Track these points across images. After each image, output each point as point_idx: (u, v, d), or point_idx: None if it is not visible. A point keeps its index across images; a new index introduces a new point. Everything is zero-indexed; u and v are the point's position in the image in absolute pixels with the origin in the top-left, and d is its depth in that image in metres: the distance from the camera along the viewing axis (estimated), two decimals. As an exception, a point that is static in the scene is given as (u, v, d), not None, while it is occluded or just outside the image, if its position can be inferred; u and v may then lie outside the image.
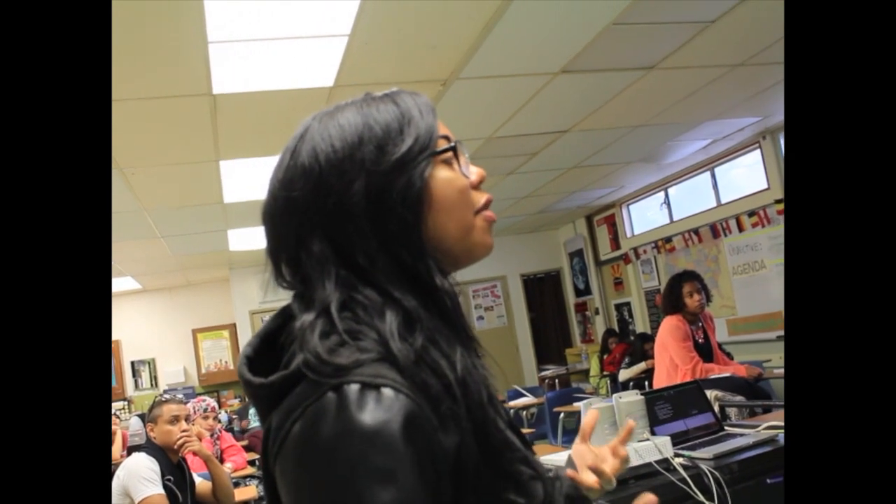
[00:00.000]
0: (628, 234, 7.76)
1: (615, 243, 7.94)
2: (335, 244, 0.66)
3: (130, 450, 3.58)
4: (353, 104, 0.71)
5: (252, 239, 6.42)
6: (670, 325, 3.60)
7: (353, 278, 0.65)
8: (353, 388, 0.58)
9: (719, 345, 3.86)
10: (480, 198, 0.72)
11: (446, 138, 0.71)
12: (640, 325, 7.61)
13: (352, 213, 0.65)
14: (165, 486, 2.65)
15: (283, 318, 0.69)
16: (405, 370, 0.60)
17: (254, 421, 6.93)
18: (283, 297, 0.71)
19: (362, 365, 0.59)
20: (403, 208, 0.66)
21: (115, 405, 7.90)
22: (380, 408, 0.57)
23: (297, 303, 0.67)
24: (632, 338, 7.24)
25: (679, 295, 3.63)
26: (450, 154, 0.71)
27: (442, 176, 0.69)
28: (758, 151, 5.78)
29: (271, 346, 0.67)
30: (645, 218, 7.56)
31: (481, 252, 0.72)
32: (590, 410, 0.98)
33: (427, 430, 0.58)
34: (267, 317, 0.74)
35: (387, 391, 0.58)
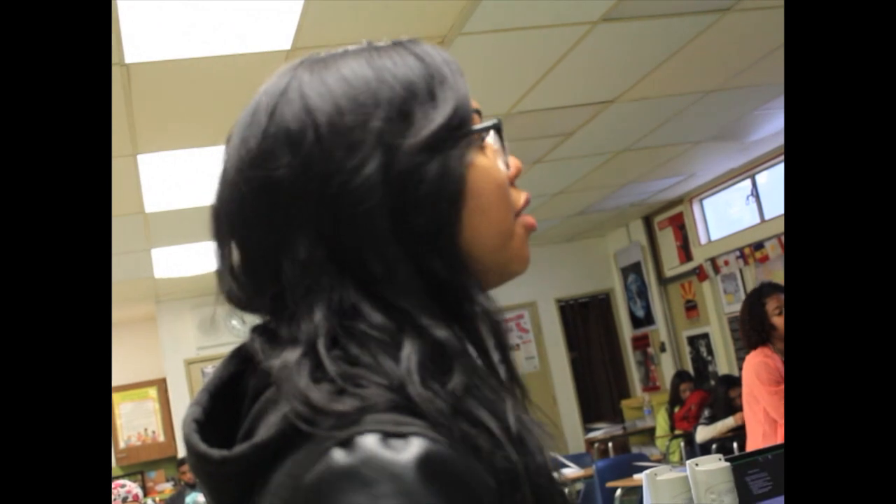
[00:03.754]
0: (703, 241, 7.80)
1: (685, 253, 8.00)
2: (334, 247, 0.66)
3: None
4: (354, 52, 0.71)
5: (185, 261, 6.41)
6: (755, 365, 3.41)
7: (354, 297, 0.65)
8: (371, 441, 0.56)
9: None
10: (519, 196, 0.74)
11: (478, 113, 0.72)
12: (724, 364, 7.65)
13: (364, 203, 0.65)
14: None
15: (240, 363, 0.68)
16: (435, 422, 0.58)
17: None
18: (230, 341, 0.71)
19: (376, 410, 0.58)
20: (439, 202, 0.66)
21: None
22: (418, 466, 0.55)
23: (262, 339, 0.66)
24: (712, 383, 7.20)
25: (762, 317, 3.44)
26: (483, 135, 0.72)
27: (479, 164, 0.70)
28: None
29: (228, 404, 0.67)
30: (725, 217, 7.56)
31: (518, 267, 0.73)
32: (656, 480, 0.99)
33: (488, 497, 0.57)
34: (210, 368, 0.76)
35: (421, 442, 0.56)
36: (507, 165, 0.73)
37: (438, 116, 0.68)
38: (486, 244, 0.69)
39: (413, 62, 0.70)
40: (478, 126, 0.71)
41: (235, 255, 0.70)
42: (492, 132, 0.73)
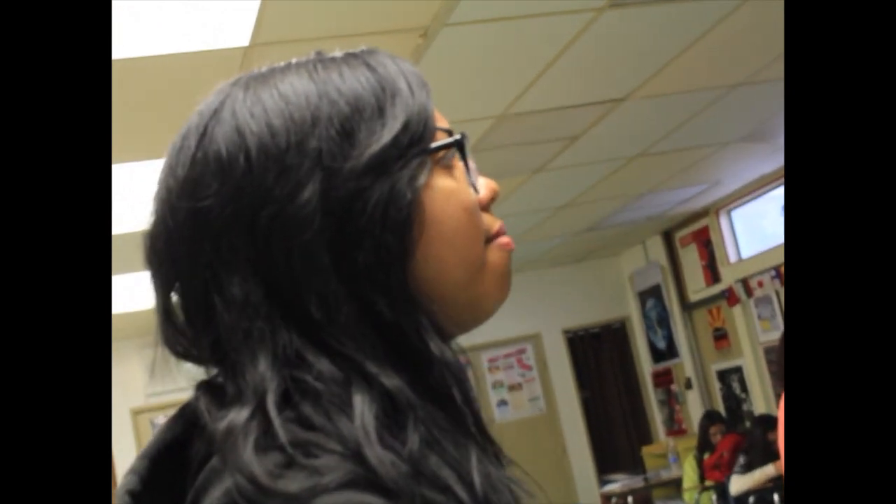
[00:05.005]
0: (732, 258, 7.81)
1: (712, 274, 8.03)
2: (270, 285, 0.68)
3: None
4: (299, 65, 0.74)
5: (131, 293, 6.42)
6: None
7: (297, 342, 0.66)
8: None
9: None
10: (493, 223, 0.76)
11: (446, 131, 0.75)
12: (760, 402, 7.68)
13: (299, 235, 0.67)
14: None
15: (186, 424, 0.70)
16: (397, 493, 0.60)
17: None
18: (186, 387, 0.71)
19: (327, 489, 0.59)
20: (383, 232, 0.68)
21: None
22: None
23: (208, 396, 0.68)
24: (747, 424, 7.23)
25: None
26: (450, 154, 0.74)
27: (440, 186, 0.72)
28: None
29: (171, 472, 0.68)
30: (758, 230, 7.63)
31: (496, 302, 0.75)
32: None
33: None
34: (161, 417, 0.74)
35: None
36: (476, 187, 0.75)
37: (386, 134, 0.70)
38: (452, 278, 0.71)
39: (364, 75, 0.73)
40: (435, 144, 0.72)
41: (173, 296, 0.72)
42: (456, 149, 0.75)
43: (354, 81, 0.72)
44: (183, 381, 0.73)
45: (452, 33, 3.58)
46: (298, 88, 0.71)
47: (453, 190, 0.73)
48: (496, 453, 0.70)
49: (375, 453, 0.61)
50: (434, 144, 0.73)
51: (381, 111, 0.71)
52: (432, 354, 0.68)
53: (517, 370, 8.81)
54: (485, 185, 0.77)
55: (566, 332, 9.01)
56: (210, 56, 3.47)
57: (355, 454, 0.61)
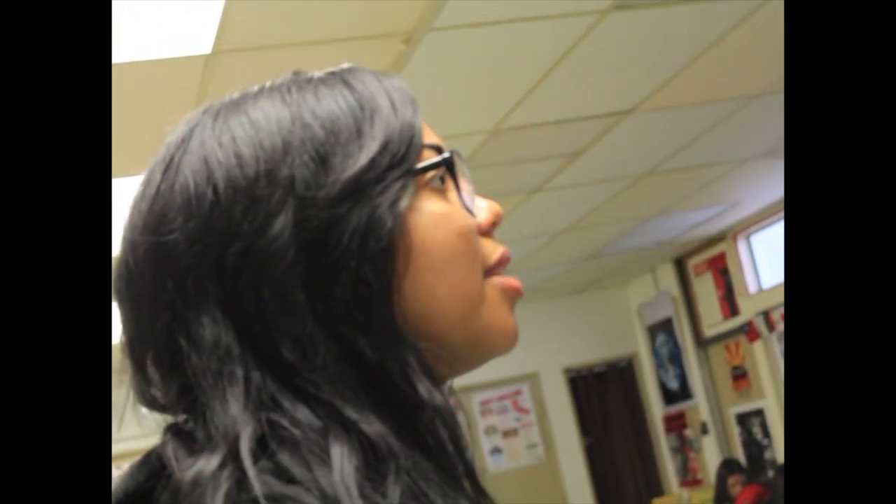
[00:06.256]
0: (752, 289, 7.82)
1: (729, 306, 8.04)
2: (241, 324, 0.68)
3: None
4: (272, 89, 0.75)
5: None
6: None
7: (273, 386, 0.67)
8: None
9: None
10: (494, 250, 0.76)
11: (436, 149, 0.75)
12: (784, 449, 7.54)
13: (270, 271, 0.68)
14: None
15: (152, 470, 0.70)
16: None
17: None
18: (150, 433, 0.72)
19: None
20: (362, 263, 0.68)
21: None
22: None
23: (176, 441, 0.68)
24: (770, 474, 7.18)
25: None
26: (441, 174, 0.75)
27: (430, 210, 0.73)
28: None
29: None
30: (781, 257, 7.59)
31: (500, 341, 0.76)
32: None
33: None
34: (125, 465, 0.75)
35: None
36: (470, 210, 0.75)
37: (363, 156, 0.70)
38: (445, 313, 0.72)
39: (342, 94, 0.74)
40: (421, 164, 0.73)
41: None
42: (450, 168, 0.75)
43: (331, 102, 0.73)
44: (147, 427, 0.74)
45: (439, 39, 3.58)
46: (270, 114, 0.72)
47: (445, 214, 0.73)
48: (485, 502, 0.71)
49: None
50: (420, 165, 0.73)
51: (358, 132, 0.72)
52: (420, 398, 0.69)
53: (512, 414, 8.78)
54: (485, 208, 0.77)
55: (567, 371, 8.98)
56: (169, 65, 3.47)
57: None
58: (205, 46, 3.38)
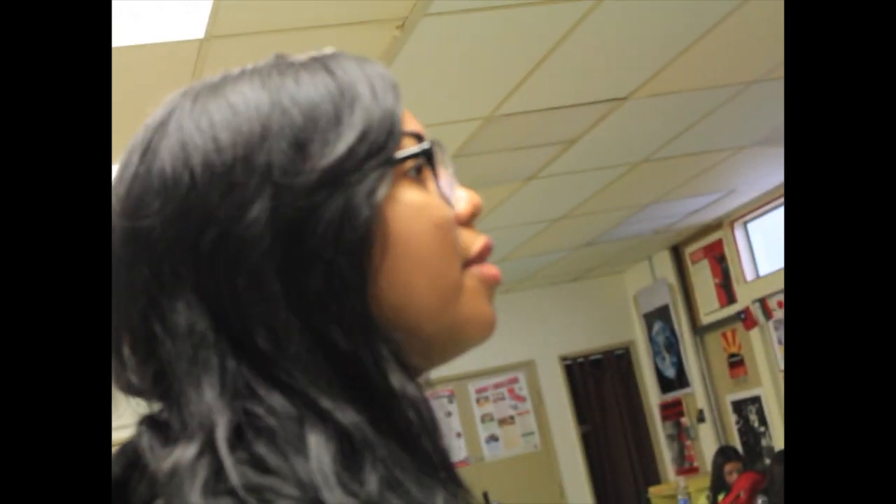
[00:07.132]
0: (749, 276, 7.89)
1: (726, 293, 8.08)
2: (216, 311, 0.69)
3: None
4: (253, 72, 0.75)
5: None
6: None
7: (249, 374, 0.67)
8: None
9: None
10: (473, 241, 0.77)
11: (416, 137, 0.75)
12: (781, 436, 7.68)
13: (246, 259, 0.68)
14: None
15: (128, 461, 0.70)
16: None
17: None
18: (131, 423, 0.72)
19: None
20: (337, 253, 0.69)
21: None
22: None
23: (151, 432, 0.69)
24: (767, 461, 7.22)
25: None
26: (420, 164, 0.75)
27: (408, 200, 0.73)
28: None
29: None
30: (778, 244, 7.66)
31: (477, 332, 0.76)
32: None
33: None
34: None
35: None
36: (448, 200, 0.75)
37: (341, 144, 0.70)
38: (422, 304, 0.72)
39: (322, 80, 0.73)
40: (402, 154, 0.73)
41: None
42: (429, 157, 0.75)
43: (311, 88, 0.73)
44: (130, 417, 0.73)
45: (433, 24, 3.58)
46: (249, 98, 0.72)
47: (423, 204, 0.74)
48: (467, 499, 0.71)
49: (335, 498, 0.62)
50: (399, 155, 0.73)
51: (337, 120, 0.72)
52: (393, 389, 0.69)
53: (509, 402, 8.78)
54: (465, 199, 0.78)
55: (563, 359, 9.02)
56: (162, 49, 3.48)
57: (314, 500, 0.62)
58: (198, 31, 3.42)
